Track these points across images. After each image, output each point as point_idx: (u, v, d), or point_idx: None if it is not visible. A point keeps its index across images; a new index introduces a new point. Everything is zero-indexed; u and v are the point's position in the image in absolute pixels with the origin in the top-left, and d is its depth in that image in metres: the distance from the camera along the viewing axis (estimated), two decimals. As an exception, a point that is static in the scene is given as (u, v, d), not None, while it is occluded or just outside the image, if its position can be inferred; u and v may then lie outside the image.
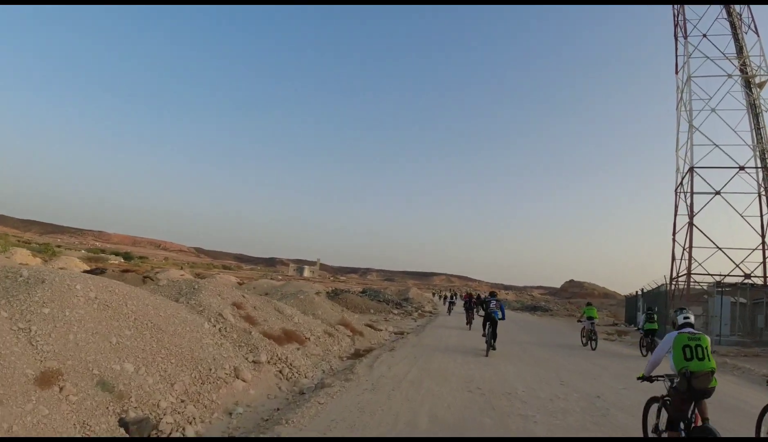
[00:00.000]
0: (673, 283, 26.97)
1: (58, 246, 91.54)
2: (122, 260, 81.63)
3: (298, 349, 11.31)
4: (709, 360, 4.63)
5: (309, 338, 12.66)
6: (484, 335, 14.35)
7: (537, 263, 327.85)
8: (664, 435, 5.00)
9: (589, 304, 20.01)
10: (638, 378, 5.35)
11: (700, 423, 4.63)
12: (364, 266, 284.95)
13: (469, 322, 23.85)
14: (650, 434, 5.40)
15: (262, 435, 6.03)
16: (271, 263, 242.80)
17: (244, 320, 10.89)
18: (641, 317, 17.83)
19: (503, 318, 14.51)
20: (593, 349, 16.77)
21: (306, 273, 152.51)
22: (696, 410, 4.71)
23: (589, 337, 17.27)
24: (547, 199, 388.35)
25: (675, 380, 4.84)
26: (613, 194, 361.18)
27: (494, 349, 13.77)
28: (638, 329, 19.08)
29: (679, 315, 5.03)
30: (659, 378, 5.12)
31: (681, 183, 28.79)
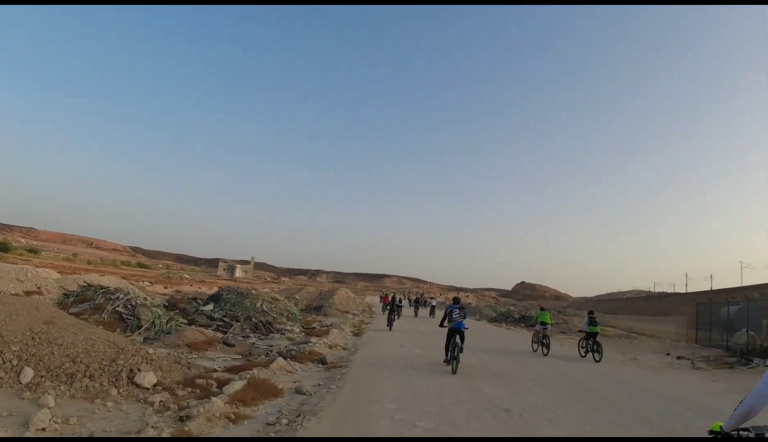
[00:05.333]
0: None
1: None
2: None
3: None
4: None
5: None
6: (446, 361, 11.83)
7: (489, 265, 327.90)
8: None
9: (542, 309, 19.86)
10: (711, 432, 2.73)
11: None
12: (314, 268, 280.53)
13: (390, 323, 22.78)
14: None
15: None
16: (214, 263, 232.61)
17: None
18: (585, 321, 17.20)
19: (466, 327, 12.13)
20: (545, 354, 16.55)
21: (238, 273, 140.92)
22: None
23: (541, 342, 17.13)
24: (499, 202, 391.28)
25: None
26: (565, 200, 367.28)
27: (459, 362, 11.34)
28: (580, 331, 18.93)
29: None
30: (742, 432, 2.60)
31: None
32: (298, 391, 8.63)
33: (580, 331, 20.09)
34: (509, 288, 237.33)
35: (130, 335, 14.02)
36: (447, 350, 11.93)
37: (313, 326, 21.29)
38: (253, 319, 17.55)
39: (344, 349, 14.73)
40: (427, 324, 28.11)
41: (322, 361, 11.68)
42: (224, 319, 17.28)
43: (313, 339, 15.80)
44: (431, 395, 8.40)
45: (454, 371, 11.11)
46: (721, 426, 2.79)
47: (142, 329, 14.46)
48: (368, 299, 73.77)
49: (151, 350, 9.98)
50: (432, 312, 38.84)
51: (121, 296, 16.43)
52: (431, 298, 51.23)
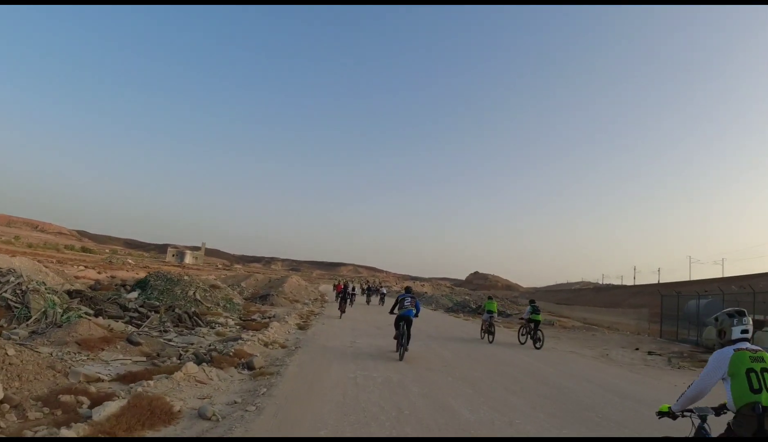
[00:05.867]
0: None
1: None
2: None
3: None
4: None
5: None
6: (396, 338, 11.87)
7: (444, 255, 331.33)
8: None
9: (489, 298, 20.52)
10: (659, 413, 3.49)
11: None
12: (269, 255, 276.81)
13: (342, 311, 23.69)
14: None
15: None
16: (164, 249, 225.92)
17: None
18: (527, 309, 17.41)
19: (417, 315, 12.25)
20: (490, 342, 16.93)
21: (188, 259, 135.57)
22: None
23: (488, 330, 17.49)
24: (453, 194, 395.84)
25: (724, 415, 3.25)
26: (518, 193, 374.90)
27: (407, 350, 11.61)
28: (522, 318, 19.36)
29: (735, 324, 3.27)
30: (687, 414, 3.37)
31: None
32: (202, 414, 6.19)
33: (521, 318, 20.82)
34: (463, 278, 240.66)
35: (14, 328, 11.17)
36: (396, 328, 11.96)
37: (253, 318, 18.70)
38: (176, 309, 14.81)
39: (283, 346, 12.29)
40: (383, 316, 26.00)
41: (249, 365, 9.24)
42: (140, 309, 14.45)
43: (247, 334, 13.28)
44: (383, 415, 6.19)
45: (400, 358, 11.27)
46: (669, 407, 3.47)
47: (31, 320, 11.58)
48: (322, 288, 71.23)
49: (11, 351, 7.35)
50: (382, 300, 39.15)
51: (12, 279, 13.40)
52: (381, 286, 51.91)
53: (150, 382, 7.40)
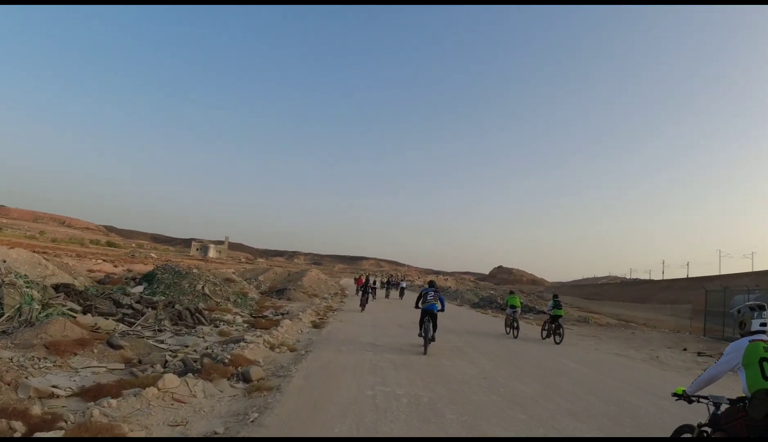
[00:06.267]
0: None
1: None
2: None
3: None
4: None
5: None
6: (420, 335, 11.77)
7: (467, 249, 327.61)
8: None
9: (511, 292, 20.19)
10: (675, 395, 3.86)
11: None
12: (292, 249, 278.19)
13: (363, 305, 22.94)
14: None
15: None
16: (189, 244, 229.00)
17: None
18: (549, 304, 16.92)
19: (443, 309, 12.44)
20: (515, 337, 16.79)
21: (211, 253, 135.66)
22: None
23: (511, 325, 17.37)
24: (478, 188, 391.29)
25: (745, 404, 3.36)
26: (542, 187, 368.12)
27: (433, 340, 11.85)
28: (545, 313, 18.31)
29: (755, 317, 3.53)
30: (702, 400, 3.65)
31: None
32: (162, 455, 4.52)
33: (544, 313, 20.82)
34: (486, 272, 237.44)
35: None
36: (420, 325, 11.93)
37: (265, 314, 17.12)
38: (176, 305, 13.26)
39: (292, 349, 10.59)
40: (405, 311, 24.19)
41: (245, 376, 7.55)
42: (136, 305, 12.94)
43: (253, 335, 11.67)
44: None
45: (425, 352, 11.20)
46: (684, 390, 3.80)
47: (3, 317, 10.15)
48: (343, 282, 69.80)
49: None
50: (402, 294, 38.65)
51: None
52: (402, 280, 52.49)
53: (114, 401, 5.77)
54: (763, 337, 3.50)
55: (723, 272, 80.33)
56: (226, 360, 8.44)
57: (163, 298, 17.25)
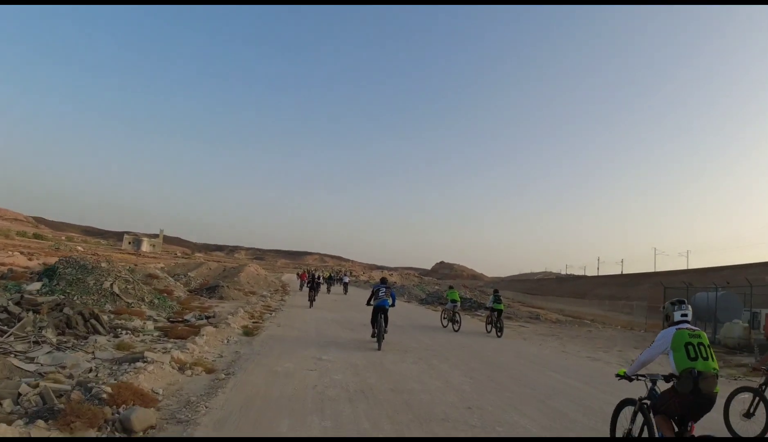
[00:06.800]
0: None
1: None
2: None
3: None
4: (713, 360, 4.10)
5: None
6: (373, 336, 11.96)
7: (409, 245, 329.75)
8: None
9: (451, 287, 21.48)
10: (617, 375, 4.62)
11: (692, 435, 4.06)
12: (232, 244, 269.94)
13: (312, 301, 23.12)
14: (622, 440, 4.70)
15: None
16: (122, 237, 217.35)
17: None
18: (490, 299, 17.43)
19: (393, 305, 12.81)
20: (456, 330, 16.89)
21: (145, 247, 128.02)
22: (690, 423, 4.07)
23: (452, 319, 17.63)
24: (419, 185, 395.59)
25: (672, 381, 4.16)
26: (482, 185, 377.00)
27: (384, 338, 11.84)
28: (486, 308, 19.24)
29: (676, 310, 4.38)
30: (641, 378, 4.47)
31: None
32: None
33: (485, 308, 21.39)
34: (429, 267, 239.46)
35: None
36: (373, 323, 12.15)
37: (186, 317, 14.23)
38: (65, 308, 10.22)
39: (209, 371, 7.96)
40: (351, 309, 21.83)
41: (124, 424, 4.97)
42: (12, 308, 9.82)
43: (161, 348, 8.97)
44: None
45: (378, 348, 11.39)
46: (624, 371, 4.53)
47: None
48: (285, 277, 66.47)
49: None
50: (345, 289, 39.14)
51: None
52: (345, 274, 52.23)
53: None
54: (686, 325, 4.25)
55: (658, 269, 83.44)
56: (105, 395, 5.77)
57: (63, 297, 14.02)
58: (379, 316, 11.90)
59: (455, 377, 8.67)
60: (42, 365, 7.40)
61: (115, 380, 6.62)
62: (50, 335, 9.27)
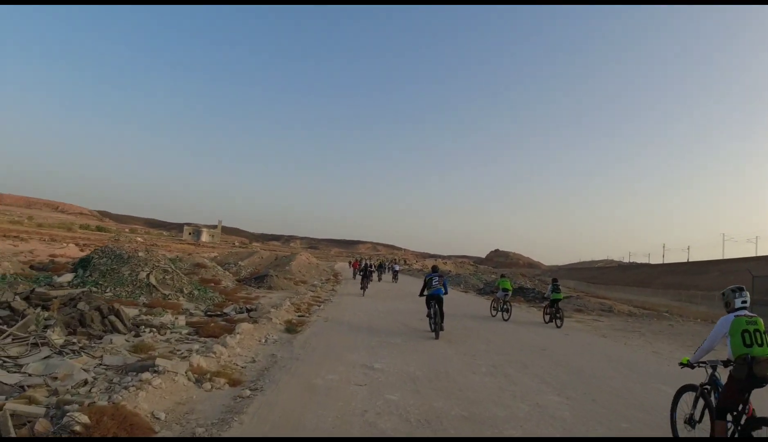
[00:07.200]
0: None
1: None
2: None
3: None
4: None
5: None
6: (431, 327, 11.85)
7: (462, 233, 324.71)
8: (698, 426, 4.65)
9: (503, 276, 20.39)
10: (681, 364, 4.77)
11: (751, 415, 4.18)
12: (288, 233, 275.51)
13: (364, 288, 23.33)
14: (682, 425, 4.86)
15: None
16: (182, 228, 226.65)
17: None
18: (549, 288, 16.86)
19: (446, 292, 12.30)
20: (505, 319, 16.48)
21: (204, 237, 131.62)
22: (748, 402, 4.23)
23: (502, 308, 17.24)
24: (473, 171, 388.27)
25: (730, 367, 4.30)
26: (538, 171, 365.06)
27: (442, 329, 11.73)
28: (545, 297, 19.25)
29: (736, 297, 4.45)
30: (701, 365, 4.62)
31: None
32: None
33: (544, 298, 20.98)
34: (483, 256, 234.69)
35: None
36: (429, 307, 12.00)
37: (225, 311, 12.89)
38: (80, 303, 9.00)
39: (233, 383, 6.37)
40: (403, 299, 20.05)
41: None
42: (18, 303, 8.68)
43: (185, 351, 7.55)
44: None
45: (436, 337, 11.29)
46: (688, 360, 4.70)
47: None
48: (338, 266, 65.68)
49: None
50: (395, 277, 38.74)
51: None
52: (395, 263, 53.23)
53: None
54: (745, 312, 4.37)
55: (726, 256, 77.31)
56: (78, 426, 4.25)
57: (93, 289, 13.05)
58: (434, 304, 11.79)
59: (545, 395, 6.67)
60: (30, 376, 6.06)
61: (109, 398, 5.15)
62: (57, 334, 8.01)
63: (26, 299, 9.24)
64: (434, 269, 13.04)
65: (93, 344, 8.11)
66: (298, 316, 13.45)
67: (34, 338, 7.70)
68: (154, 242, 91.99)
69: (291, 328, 10.92)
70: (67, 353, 7.27)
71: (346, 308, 16.53)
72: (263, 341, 9.34)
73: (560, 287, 17.00)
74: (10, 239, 39.25)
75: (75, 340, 8.12)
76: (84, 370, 6.45)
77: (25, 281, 14.22)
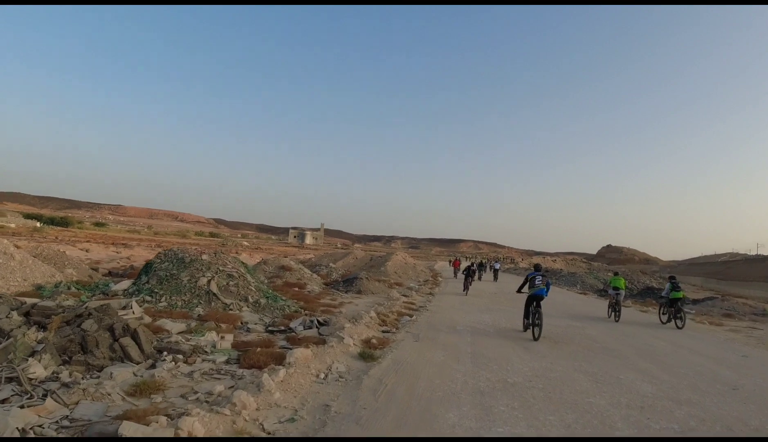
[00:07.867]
0: None
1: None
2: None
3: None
4: None
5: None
6: (526, 329, 11.35)
7: (570, 229, 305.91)
8: None
9: (615, 274, 19.53)
10: None
11: None
12: (389, 234, 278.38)
13: (466, 288, 22.47)
14: None
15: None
16: (288, 232, 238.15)
17: None
18: (667, 287, 15.75)
19: (546, 295, 11.46)
20: (616, 320, 15.59)
21: (308, 240, 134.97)
22: None
23: (614, 308, 16.19)
24: (580, 163, 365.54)
25: None
26: (652, 163, 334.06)
27: (541, 330, 10.78)
28: (662, 296, 16.79)
29: None
30: None
31: None
32: None
33: (661, 297, 18.57)
34: (594, 252, 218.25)
35: None
36: (526, 317, 11.36)
37: (291, 326, 10.33)
38: (84, 322, 6.82)
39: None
40: (507, 305, 16.36)
41: None
42: (11, 320, 6.72)
43: (203, 395, 4.99)
44: None
45: (536, 338, 10.69)
46: None
47: None
48: (438, 266, 62.50)
49: None
50: (495, 276, 38.11)
51: None
52: (496, 261, 53.16)
53: None
54: None
55: None
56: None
57: (149, 298, 11.22)
58: (534, 305, 11.12)
59: None
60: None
61: None
62: (45, 363, 5.82)
63: (26, 315, 7.28)
64: (537, 267, 12.33)
65: (87, 378, 5.82)
66: (382, 331, 10.57)
67: (9, 370, 5.55)
68: (259, 245, 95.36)
69: (367, 353, 8.01)
70: (33, 395, 4.96)
71: (444, 317, 13.39)
72: (321, 376, 6.52)
73: (680, 285, 15.78)
74: (114, 246, 40.97)
75: (67, 371, 5.89)
76: (20, 429, 4.03)
77: (82, 289, 12.86)
